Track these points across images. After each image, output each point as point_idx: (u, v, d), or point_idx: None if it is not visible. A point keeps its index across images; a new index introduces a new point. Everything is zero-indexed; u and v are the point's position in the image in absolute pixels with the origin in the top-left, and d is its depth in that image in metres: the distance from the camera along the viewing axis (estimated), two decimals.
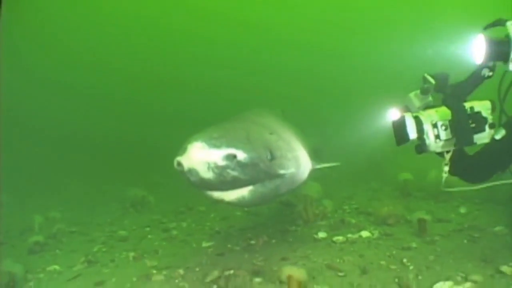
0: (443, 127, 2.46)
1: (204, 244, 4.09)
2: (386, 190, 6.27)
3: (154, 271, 3.31)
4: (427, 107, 2.66)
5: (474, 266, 2.72)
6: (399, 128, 2.54)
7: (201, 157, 2.20)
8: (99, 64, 21.33)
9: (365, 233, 3.81)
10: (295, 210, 4.75)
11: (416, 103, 2.77)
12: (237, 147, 2.29)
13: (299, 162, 3.05)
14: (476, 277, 2.49)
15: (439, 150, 2.52)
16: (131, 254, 3.87)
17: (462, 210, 4.42)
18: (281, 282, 2.74)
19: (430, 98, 2.74)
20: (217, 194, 2.51)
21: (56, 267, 3.73)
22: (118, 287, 3.06)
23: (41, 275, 3.57)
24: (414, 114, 2.53)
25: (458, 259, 2.90)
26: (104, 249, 4.34)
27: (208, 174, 2.22)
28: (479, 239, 3.30)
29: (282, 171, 2.68)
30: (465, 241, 3.34)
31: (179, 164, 2.28)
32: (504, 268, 2.58)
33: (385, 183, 6.74)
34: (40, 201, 7.43)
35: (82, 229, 5.63)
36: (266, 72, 20.80)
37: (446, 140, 2.47)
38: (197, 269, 3.26)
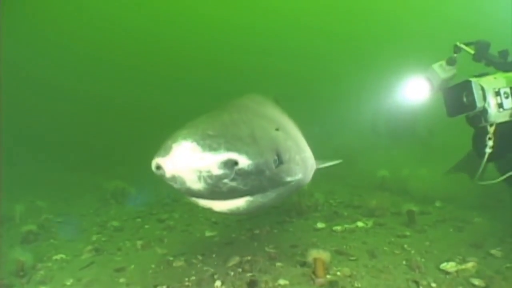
0: (505, 95, 2.28)
1: (208, 234, 4.21)
2: (362, 185, 6.71)
3: (171, 258, 3.40)
4: (453, 78, 2.55)
5: (466, 250, 3.15)
6: (461, 95, 2.31)
7: (190, 162, 1.66)
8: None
9: (360, 223, 4.16)
10: (289, 202, 5.01)
11: (441, 75, 2.60)
12: (239, 151, 1.73)
13: (306, 165, 2.56)
14: (472, 258, 2.89)
15: (501, 120, 2.36)
16: (139, 242, 3.91)
17: (438, 204, 4.92)
18: (302, 265, 2.99)
19: (455, 71, 2.59)
20: (204, 202, 2.05)
21: (63, 256, 3.68)
22: (140, 273, 3.13)
23: (49, 264, 3.51)
24: (475, 80, 2.31)
25: (451, 245, 3.31)
26: (103, 239, 4.32)
27: (197, 185, 1.73)
28: (464, 228, 3.76)
29: (289, 179, 2.18)
30: (451, 230, 3.79)
31: (159, 167, 1.79)
32: (494, 251, 3.02)
33: (360, 179, 7.21)
34: (14, 191, 7.04)
35: (67, 219, 5.51)
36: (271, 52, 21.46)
37: (510, 110, 2.31)
38: (214, 255, 3.41)
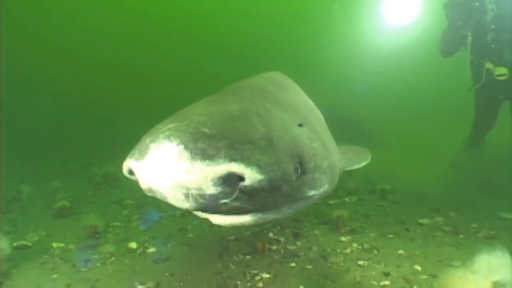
0: None
1: None
2: None
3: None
4: None
5: (431, 213, 4.43)
6: (472, 5, 3.46)
7: (173, 175, 1.18)
8: None
9: (347, 199, 5.34)
10: None
11: None
12: (247, 161, 1.22)
13: (334, 173, 2.01)
14: (438, 216, 4.19)
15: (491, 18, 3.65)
16: (178, 212, 4.64)
17: (400, 186, 6.30)
18: (323, 223, 4.05)
19: None
20: (200, 213, 1.60)
21: (118, 223, 4.27)
22: (202, 230, 3.92)
23: (110, 229, 4.09)
24: None
25: (419, 210, 4.60)
26: (135, 212, 4.92)
27: (185, 204, 1.27)
28: (425, 201, 5.07)
29: (312, 192, 1.68)
30: (415, 202, 5.10)
31: (132, 173, 1.38)
32: (451, 213, 4.37)
33: None
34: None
35: (76, 199, 5.89)
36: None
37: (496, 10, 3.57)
38: None
